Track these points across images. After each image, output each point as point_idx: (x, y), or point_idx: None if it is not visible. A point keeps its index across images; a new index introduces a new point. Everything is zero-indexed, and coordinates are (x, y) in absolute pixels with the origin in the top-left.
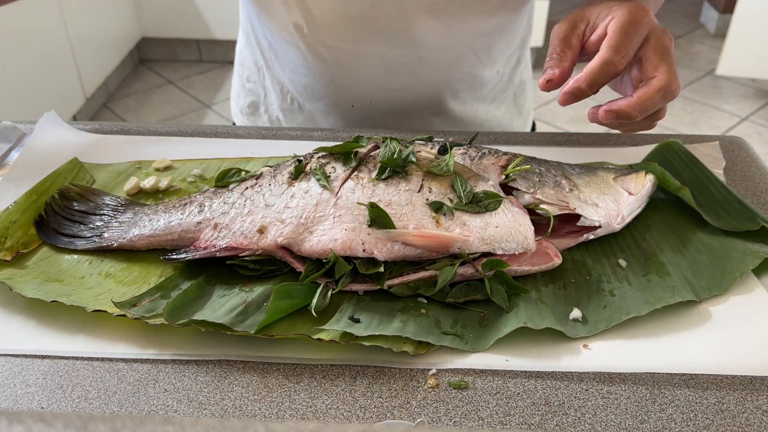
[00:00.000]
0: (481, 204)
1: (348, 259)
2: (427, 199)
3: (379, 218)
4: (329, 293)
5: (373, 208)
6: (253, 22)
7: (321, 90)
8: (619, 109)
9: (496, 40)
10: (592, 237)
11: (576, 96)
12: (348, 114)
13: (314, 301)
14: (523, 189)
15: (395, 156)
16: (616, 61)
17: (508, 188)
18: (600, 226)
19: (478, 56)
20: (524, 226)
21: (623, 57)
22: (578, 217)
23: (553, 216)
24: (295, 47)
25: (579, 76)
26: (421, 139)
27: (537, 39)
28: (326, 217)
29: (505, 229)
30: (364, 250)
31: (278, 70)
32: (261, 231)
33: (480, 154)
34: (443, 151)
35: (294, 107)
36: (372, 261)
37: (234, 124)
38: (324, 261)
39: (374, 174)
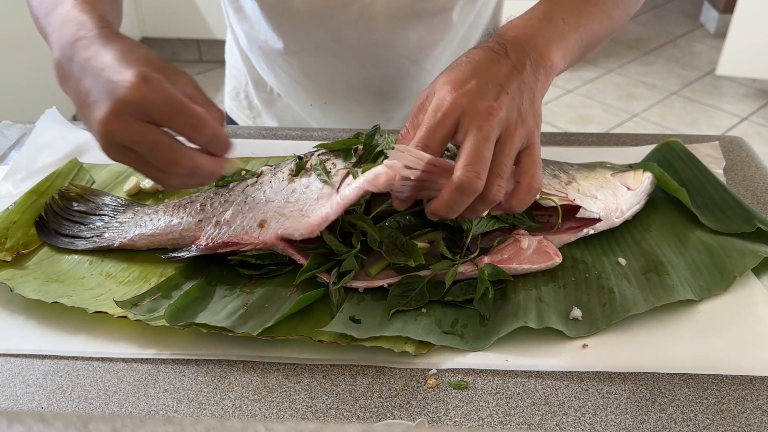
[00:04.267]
0: None
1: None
2: None
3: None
4: (339, 291)
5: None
6: (231, 18)
7: (289, 85)
8: (430, 211)
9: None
10: (591, 232)
11: (403, 203)
12: (321, 108)
13: (333, 301)
14: None
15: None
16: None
17: None
18: (599, 219)
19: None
20: None
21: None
22: (577, 210)
23: (556, 207)
24: (266, 49)
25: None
26: None
27: None
28: (326, 207)
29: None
30: (339, 201)
31: (255, 62)
32: (261, 225)
33: None
34: None
35: (273, 96)
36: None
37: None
38: (336, 253)
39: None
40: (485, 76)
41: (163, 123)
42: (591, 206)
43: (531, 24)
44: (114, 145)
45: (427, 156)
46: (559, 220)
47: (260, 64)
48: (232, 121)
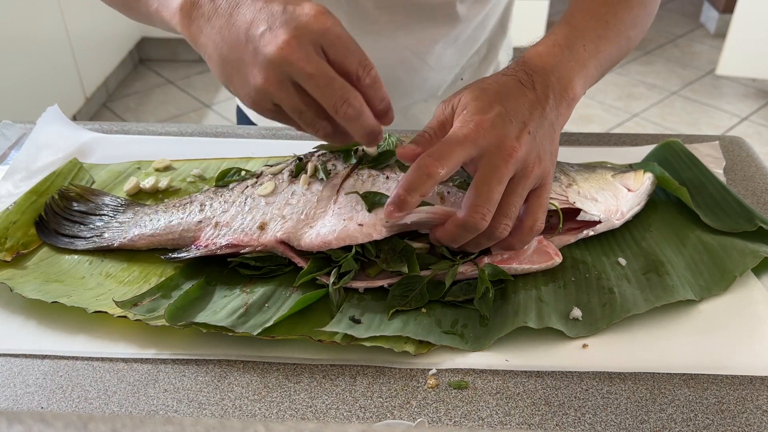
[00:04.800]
0: None
1: (355, 258)
2: None
3: (376, 200)
4: (339, 291)
5: (366, 196)
6: None
7: None
8: (434, 238)
9: (442, 46)
10: (591, 233)
11: (400, 206)
12: None
13: (333, 301)
14: None
15: (395, 146)
16: (429, 171)
17: None
18: (600, 221)
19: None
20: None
21: (440, 168)
22: (577, 212)
23: (556, 210)
24: None
25: (399, 186)
26: None
27: (537, 39)
28: (327, 212)
29: None
30: (361, 233)
31: None
32: (261, 227)
33: None
34: None
35: None
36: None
37: (238, 107)
38: (334, 260)
39: (375, 167)
40: (511, 109)
41: (336, 58)
42: (591, 209)
43: (555, 52)
44: (282, 80)
45: (432, 209)
46: (560, 225)
47: None
48: (249, 121)
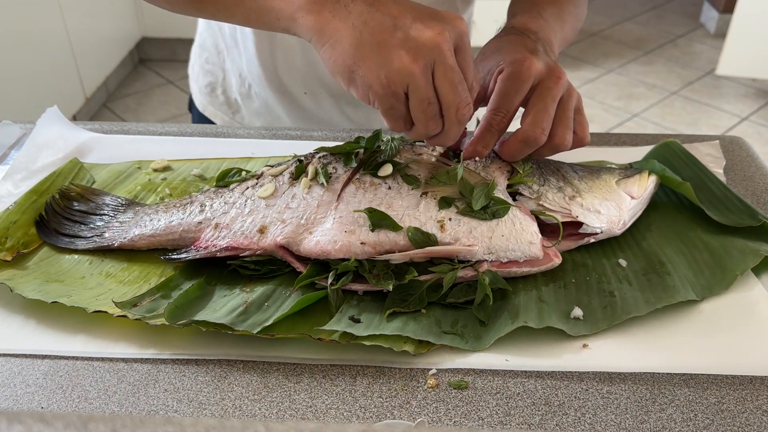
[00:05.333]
0: (488, 210)
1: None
2: (431, 202)
3: (380, 221)
4: (338, 292)
5: (371, 212)
6: None
7: (274, 77)
8: (500, 151)
9: None
10: (592, 240)
11: (474, 155)
12: (301, 103)
13: (332, 302)
14: (527, 194)
15: (396, 150)
16: (496, 122)
17: (511, 194)
18: (601, 232)
19: None
20: (531, 233)
21: (504, 117)
22: (580, 222)
23: (559, 223)
24: (249, 38)
25: (472, 139)
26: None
27: None
28: (327, 218)
29: (512, 238)
30: (363, 250)
31: (236, 57)
32: (261, 231)
33: (487, 159)
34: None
35: (251, 92)
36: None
37: (191, 99)
38: (331, 267)
39: (377, 174)
40: (533, 49)
41: (463, 64)
42: (594, 222)
43: (535, 21)
44: (427, 66)
45: (442, 248)
46: (560, 238)
47: (251, 49)
48: (207, 120)
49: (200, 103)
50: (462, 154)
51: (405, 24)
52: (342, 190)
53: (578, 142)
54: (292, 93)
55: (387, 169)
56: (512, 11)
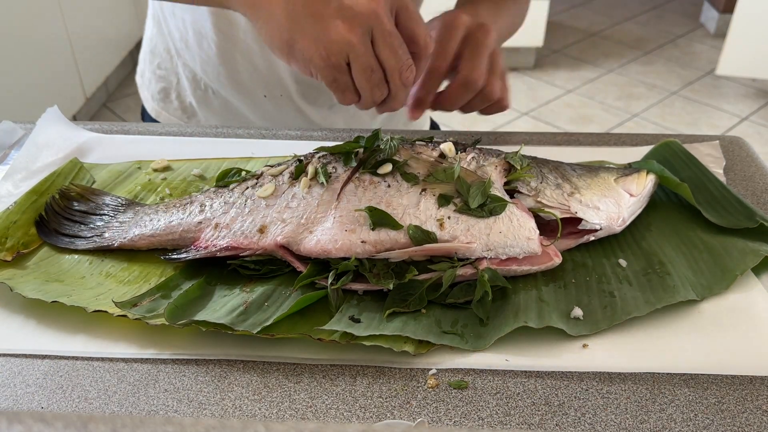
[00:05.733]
0: (485, 208)
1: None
2: (431, 200)
3: (381, 219)
4: (338, 291)
5: (372, 211)
6: (166, 13)
7: (234, 78)
8: (435, 102)
9: None
10: (592, 238)
11: (421, 106)
12: (261, 103)
13: (332, 302)
14: (525, 192)
15: (396, 149)
16: (437, 66)
17: (509, 191)
18: (601, 229)
19: None
20: (529, 230)
21: (443, 61)
22: (579, 219)
23: (557, 219)
24: (208, 39)
25: (417, 87)
26: (422, 140)
27: (537, 39)
28: (327, 217)
29: (510, 234)
30: (363, 249)
31: (189, 60)
32: (261, 231)
33: (483, 157)
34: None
35: (208, 94)
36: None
37: (143, 107)
38: (331, 266)
39: (376, 172)
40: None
41: (408, 25)
42: (593, 218)
43: (469, 13)
44: (365, 33)
45: (438, 246)
46: (559, 235)
47: (211, 50)
48: (154, 120)
49: (153, 110)
50: (408, 104)
51: None
52: (342, 189)
53: (499, 106)
54: (252, 95)
55: (386, 168)
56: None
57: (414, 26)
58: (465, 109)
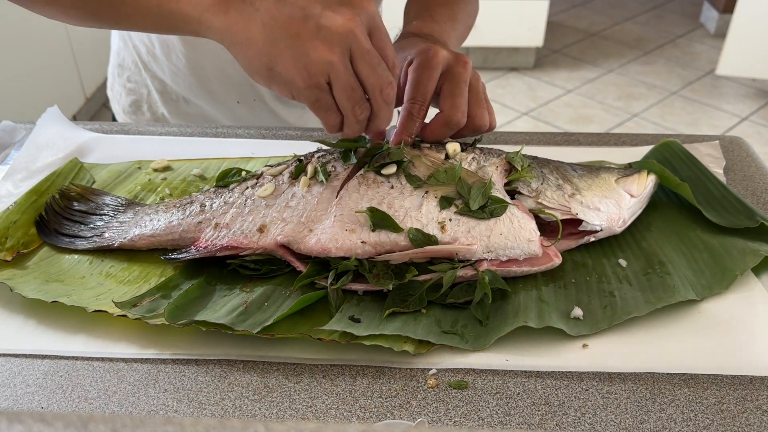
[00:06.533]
0: (486, 210)
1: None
2: (432, 202)
3: (381, 221)
4: (338, 291)
5: (373, 212)
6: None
7: (206, 87)
8: (414, 139)
9: None
10: (593, 239)
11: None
12: (235, 108)
13: (332, 302)
14: (526, 193)
15: (399, 150)
16: (416, 111)
17: (510, 191)
18: (601, 230)
19: None
20: (529, 231)
21: (422, 105)
22: (580, 219)
23: (558, 221)
24: (176, 51)
25: (396, 130)
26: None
27: (537, 39)
28: (327, 216)
29: (511, 236)
30: (363, 249)
31: (159, 72)
32: (261, 230)
33: (484, 157)
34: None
35: (180, 104)
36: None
37: (113, 119)
38: (331, 266)
39: (380, 172)
40: (438, 44)
41: (380, 44)
42: (593, 219)
43: (429, 25)
44: (344, 53)
45: (438, 248)
46: (559, 236)
47: (180, 62)
48: None
49: (123, 122)
50: (392, 143)
51: (314, 13)
52: (342, 187)
53: (487, 129)
54: (225, 102)
55: (391, 168)
56: (407, 18)
57: (384, 47)
58: (454, 137)
